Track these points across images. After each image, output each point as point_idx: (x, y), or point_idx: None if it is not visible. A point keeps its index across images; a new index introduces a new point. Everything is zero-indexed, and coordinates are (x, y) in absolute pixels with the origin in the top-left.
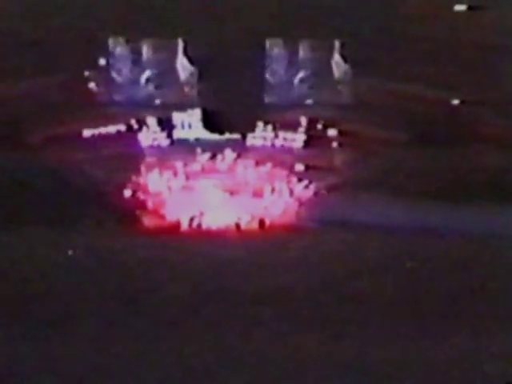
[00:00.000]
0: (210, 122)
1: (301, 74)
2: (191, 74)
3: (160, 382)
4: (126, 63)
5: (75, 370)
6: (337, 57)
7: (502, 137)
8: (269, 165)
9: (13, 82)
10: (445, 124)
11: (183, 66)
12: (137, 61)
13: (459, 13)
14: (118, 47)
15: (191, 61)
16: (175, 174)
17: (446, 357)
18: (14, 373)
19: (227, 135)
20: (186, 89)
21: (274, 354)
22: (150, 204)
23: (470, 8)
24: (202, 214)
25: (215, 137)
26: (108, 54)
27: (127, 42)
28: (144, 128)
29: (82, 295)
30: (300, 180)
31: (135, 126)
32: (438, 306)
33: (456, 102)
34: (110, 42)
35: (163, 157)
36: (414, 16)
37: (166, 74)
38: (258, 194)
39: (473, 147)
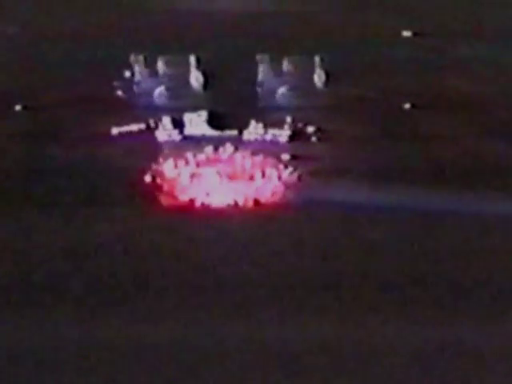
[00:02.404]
0: (213, 121)
1: (286, 83)
2: (199, 84)
3: (178, 361)
4: (146, 75)
5: (95, 347)
6: (315, 70)
7: (445, 133)
8: (260, 155)
9: (56, 92)
10: (399, 123)
11: (193, 78)
12: (155, 73)
13: (406, 37)
14: (140, 62)
15: (200, 73)
16: (186, 163)
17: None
18: (52, 352)
19: (227, 132)
20: (195, 95)
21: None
22: (166, 187)
23: (414, 34)
24: (207, 194)
25: (218, 133)
26: (132, 68)
27: (146, 57)
28: (160, 126)
29: (109, 265)
30: (286, 167)
31: (153, 125)
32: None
33: (407, 106)
34: (133, 58)
35: (176, 149)
36: (374, 39)
37: (178, 83)
38: (252, 178)
39: (421, 142)
